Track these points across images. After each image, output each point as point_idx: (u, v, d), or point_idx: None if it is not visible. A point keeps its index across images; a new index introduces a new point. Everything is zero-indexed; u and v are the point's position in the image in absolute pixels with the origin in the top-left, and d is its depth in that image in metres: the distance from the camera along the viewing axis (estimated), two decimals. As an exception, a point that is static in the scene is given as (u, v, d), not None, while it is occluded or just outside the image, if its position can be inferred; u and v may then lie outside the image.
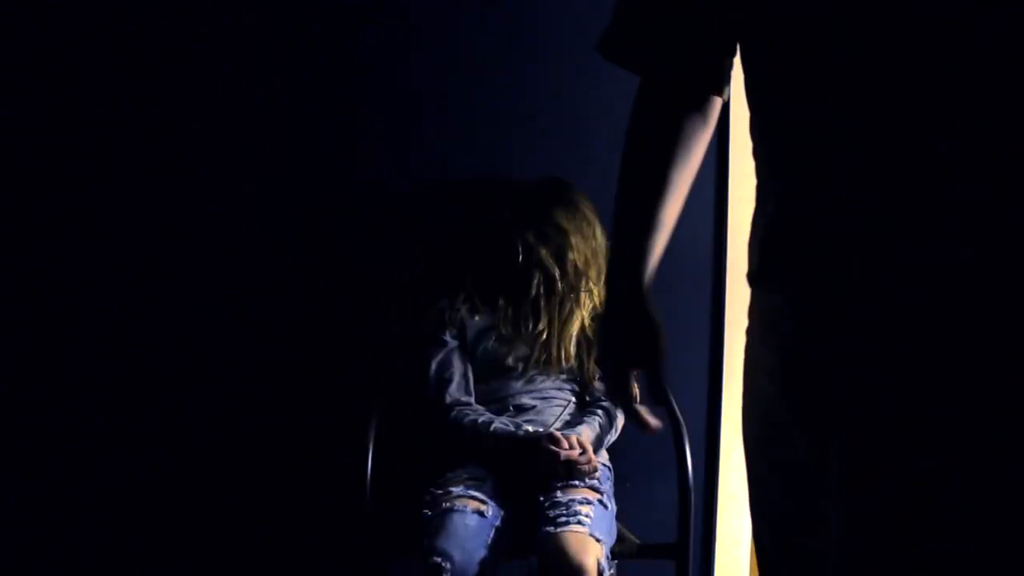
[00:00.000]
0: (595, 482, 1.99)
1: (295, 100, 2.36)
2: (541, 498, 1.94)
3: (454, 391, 2.10)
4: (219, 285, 2.36)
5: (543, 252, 2.11)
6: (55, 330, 2.35)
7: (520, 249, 2.12)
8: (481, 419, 2.04)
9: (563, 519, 1.84)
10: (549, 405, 2.12)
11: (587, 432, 2.04)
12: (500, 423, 2.03)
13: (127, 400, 2.35)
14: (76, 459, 2.35)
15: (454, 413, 2.07)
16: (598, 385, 2.15)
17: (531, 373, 2.13)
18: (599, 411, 2.12)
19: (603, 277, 2.15)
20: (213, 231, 2.36)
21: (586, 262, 2.13)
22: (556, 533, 1.82)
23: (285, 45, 2.35)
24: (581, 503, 1.88)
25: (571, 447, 1.94)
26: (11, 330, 2.35)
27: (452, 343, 2.14)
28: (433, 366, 2.12)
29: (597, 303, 2.16)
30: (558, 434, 1.96)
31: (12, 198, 2.34)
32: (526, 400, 2.11)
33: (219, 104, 2.35)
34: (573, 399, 2.17)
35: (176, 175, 2.36)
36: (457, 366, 2.12)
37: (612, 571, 2.03)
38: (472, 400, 2.10)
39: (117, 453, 2.36)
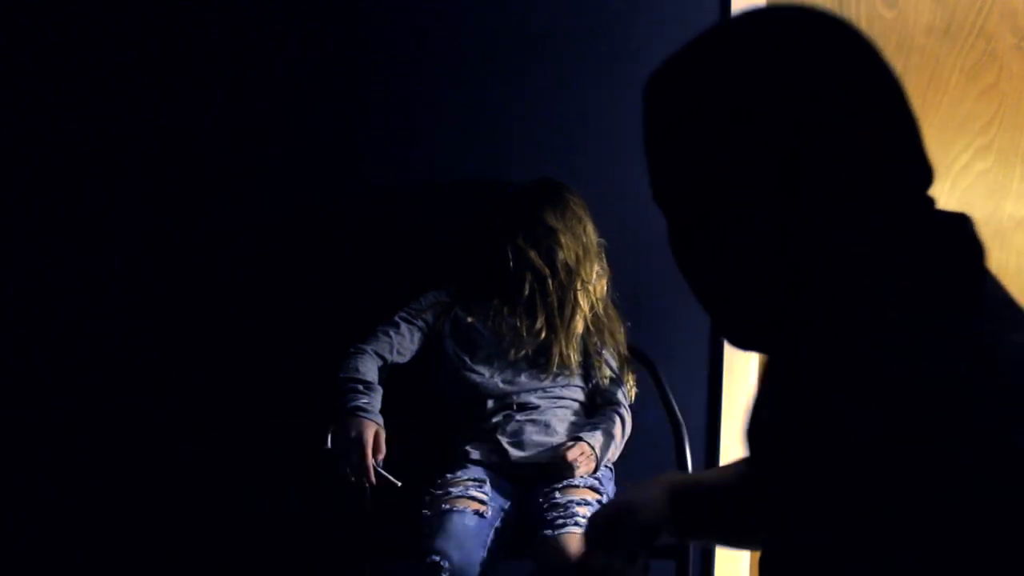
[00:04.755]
0: (595, 483, 1.99)
1: (289, 100, 2.36)
2: (540, 499, 1.94)
3: (370, 341, 2.09)
4: (217, 284, 2.36)
5: (532, 254, 2.11)
6: (53, 330, 2.35)
7: (510, 254, 2.12)
8: (353, 364, 2.03)
9: (560, 521, 1.84)
10: (554, 406, 2.11)
11: (598, 437, 2.04)
12: (358, 387, 1.99)
13: (128, 400, 2.36)
14: (78, 460, 2.36)
15: (352, 349, 2.07)
16: (607, 373, 2.15)
17: (536, 372, 2.13)
18: (614, 415, 2.11)
19: (596, 272, 2.15)
20: (208, 230, 2.36)
21: (577, 260, 2.13)
22: (554, 535, 1.82)
23: (282, 45, 2.35)
24: (579, 504, 1.87)
25: None
26: (9, 331, 2.35)
27: (409, 324, 2.15)
28: (379, 326, 2.14)
29: (594, 300, 2.16)
30: None
31: (11, 198, 2.35)
32: (532, 399, 2.11)
33: (217, 105, 2.35)
34: (582, 400, 2.16)
35: (175, 175, 2.36)
36: (395, 337, 2.12)
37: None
38: (379, 359, 2.08)
39: (119, 453, 2.36)
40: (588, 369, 2.17)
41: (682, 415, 2.13)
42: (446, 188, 2.36)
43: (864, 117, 0.75)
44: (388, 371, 2.10)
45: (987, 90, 2.44)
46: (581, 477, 1.97)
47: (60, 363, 2.35)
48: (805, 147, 0.74)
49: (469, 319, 2.16)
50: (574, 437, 2.03)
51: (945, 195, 2.44)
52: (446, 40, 2.36)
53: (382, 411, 1.97)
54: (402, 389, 2.12)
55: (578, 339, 2.14)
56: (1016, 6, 2.43)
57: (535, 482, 2.01)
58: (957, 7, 2.43)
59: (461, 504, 1.90)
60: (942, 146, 2.45)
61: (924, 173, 0.81)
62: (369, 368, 2.03)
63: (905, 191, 0.78)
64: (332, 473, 1.93)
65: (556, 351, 2.11)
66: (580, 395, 2.16)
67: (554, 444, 2.06)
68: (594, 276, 2.16)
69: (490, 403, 2.10)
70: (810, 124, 0.74)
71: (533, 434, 2.07)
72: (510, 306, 2.15)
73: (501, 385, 2.11)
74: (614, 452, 2.09)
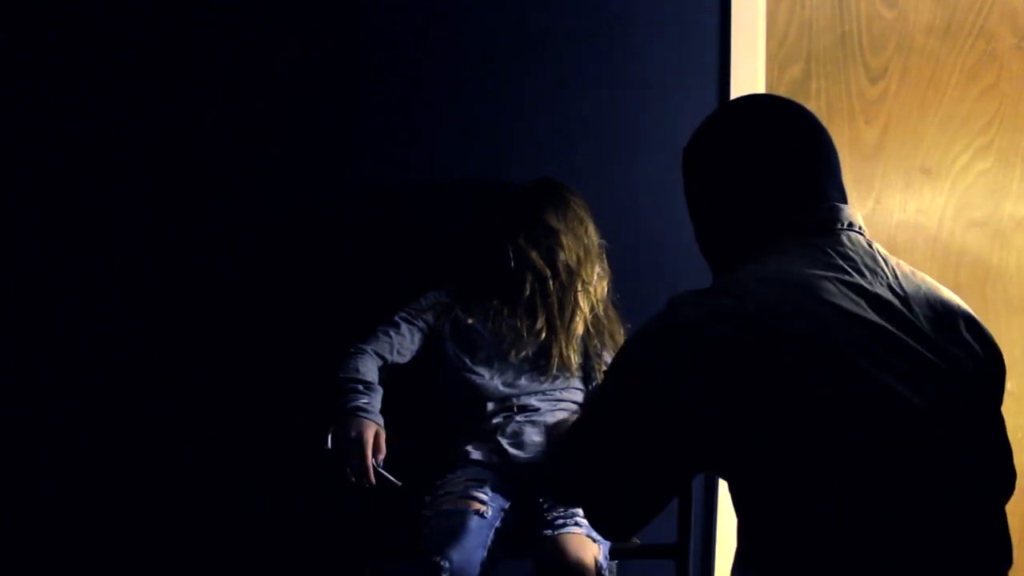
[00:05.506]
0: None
1: (289, 100, 2.36)
2: (540, 500, 1.94)
3: (370, 341, 2.09)
4: (217, 284, 2.36)
5: (534, 255, 2.11)
6: (53, 330, 2.35)
7: (511, 254, 2.12)
8: (353, 364, 2.02)
9: (560, 521, 1.84)
10: (555, 408, 2.11)
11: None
12: (358, 387, 1.98)
13: (128, 400, 2.36)
14: (78, 460, 2.36)
15: (352, 349, 2.06)
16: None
17: (536, 374, 2.12)
18: None
19: (597, 274, 2.15)
20: (208, 230, 2.36)
21: (578, 261, 2.13)
22: (554, 535, 1.82)
23: (282, 45, 2.36)
24: (580, 504, 1.87)
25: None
26: (9, 331, 2.35)
27: (410, 324, 2.15)
28: (379, 326, 2.13)
29: (594, 301, 2.16)
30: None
31: (11, 198, 2.35)
32: (532, 401, 2.11)
33: (217, 105, 2.35)
34: (582, 402, 2.16)
35: (175, 175, 2.36)
36: (395, 337, 2.11)
37: (611, 571, 2.03)
38: (379, 359, 2.07)
39: (119, 453, 2.36)
40: (588, 371, 2.17)
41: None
42: (446, 188, 2.36)
43: (788, 173, 1.24)
44: (388, 371, 2.10)
45: (987, 90, 2.44)
46: None
47: (60, 363, 2.35)
48: (753, 191, 1.25)
49: (469, 320, 2.15)
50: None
51: (945, 195, 2.44)
52: (446, 40, 2.36)
53: (382, 411, 1.97)
54: (402, 389, 2.12)
55: (578, 340, 2.14)
56: (1016, 6, 2.43)
57: (535, 482, 2.01)
58: (957, 7, 2.43)
59: (461, 504, 1.90)
60: (942, 146, 2.45)
61: (824, 189, 1.24)
62: (369, 368, 2.03)
63: (804, 208, 1.22)
64: (332, 473, 1.93)
65: (556, 352, 2.11)
66: (580, 397, 2.16)
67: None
68: (595, 277, 2.16)
69: (490, 405, 2.10)
70: (755, 178, 1.25)
71: (533, 435, 2.07)
72: (510, 307, 2.15)
73: (501, 388, 2.11)
74: None
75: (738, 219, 1.26)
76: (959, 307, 1.20)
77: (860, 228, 1.23)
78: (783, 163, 1.24)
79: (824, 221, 1.21)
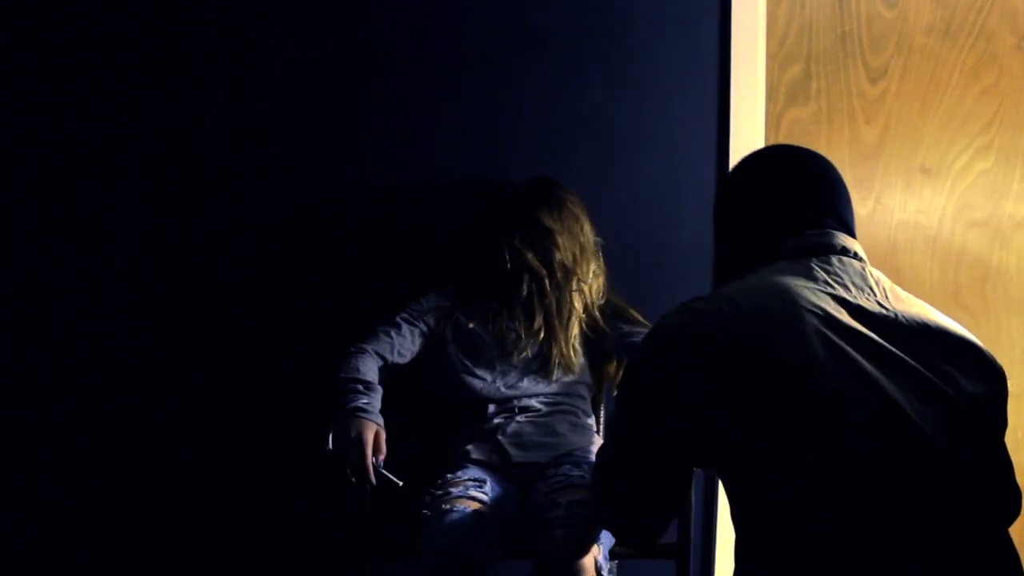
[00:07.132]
0: (595, 482, 1.99)
1: (289, 100, 2.36)
2: (540, 500, 1.94)
3: (371, 341, 2.08)
4: (217, 284, 2.36)
5: (530, 256, 2.11)
6: (53, 330, 2.36)
7: (507, 256, 2.12)
8: (353, 364, 2.01)
9: (561, 520, 1.83)
10: (556, 409, 2.11)
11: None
12: (358, 387, 1.97)
13: (128, 400, 2.36)
14: (78, 460, 2.36)
15: (352, 349, 2.05)
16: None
17: (537, 376, 2.12)
18: None
19: (592, 271, 2.15)
20: (208, 230, 2.36)
21: (574, 259, 2.13)
22: (554, 534, 1.81)
23: (282, 45, 2.36)
24: (579, 504, 1.87)
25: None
26: (9, 331, 2.35)
27: (411, 325, 2.14)
28: (380, 327, 2.13)
29: (589, 299, 2.15)
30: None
31: (11, 198, 2.35)
32: (533, 403, 2.11)
33: (217, 105, 2.35)
34: (582, 406, 2.16)
35: (175, 175, 2.37)
36: (396, 337, 2.11)
37: (611, 571, 2.03)
38: (379, 360, 2.06)
39: (119, 453, 2.36)
40: (600, 359, 2.17)
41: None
42: (446, 188, 2.36)
43: (787, 208, 1.33)
44: (388, 371, 2.10)
45: (987, 90, 2.44)
46: (581, 477, 1.97)
47: (60, 363, 2.35)
48: (754, 225, 1.36)
49: (471, 324, 2.15)
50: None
51: (945, 195, 2.44)
52: (446, 40, 2.37)
53: (382, 411, 1.97)
54: (403, 390, 2.12)
55: (577, 341, 2.13)
56: (1016, 6, 2.43)
57: (535, 482, 2.01)
58: (957, 7, 2.43)
59: (461, 504, 1.89)
60: (942, 146, 2.44)
61: (820, 220, 1.31)
62: (369, 368, 2.02)
63: (801, 236, 1.30)
64: (332, 473, 1.93)
65: (556, 352, 2.11)
66: (580, 403, 2.16)
67: (554, 445, 2.06)
68: (590, 275, 2.15)
69: (492, 407, 2.10)
70: (757, 217, 1.35)
71: (534, 435, 2.07)
72: (508, 308, 2.15)
73: (504, 390, 2.11)
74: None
75: (743, 255, 1.35)
76: (954, 331, 1.21)
77: (856, 254, 1.28)
78: (781, 207, 1.33)
79: (814, 245, 1.28)
